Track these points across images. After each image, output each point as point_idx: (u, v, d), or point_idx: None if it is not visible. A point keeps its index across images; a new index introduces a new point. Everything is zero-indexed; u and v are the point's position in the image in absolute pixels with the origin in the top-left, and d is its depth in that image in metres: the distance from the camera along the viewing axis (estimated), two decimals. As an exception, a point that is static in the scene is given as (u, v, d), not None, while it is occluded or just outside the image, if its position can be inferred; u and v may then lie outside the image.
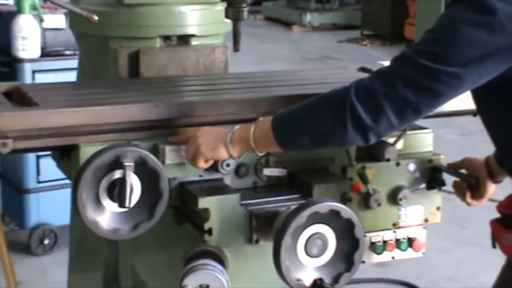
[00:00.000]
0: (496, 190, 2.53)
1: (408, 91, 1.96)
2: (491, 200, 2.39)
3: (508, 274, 2.36)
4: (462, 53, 1.94)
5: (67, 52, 4.54)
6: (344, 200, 2.36)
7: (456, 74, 1.95)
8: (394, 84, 1.97)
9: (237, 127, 2.16)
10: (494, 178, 2.53)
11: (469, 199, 2.56)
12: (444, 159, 2.60)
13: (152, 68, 2.79)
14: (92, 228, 2.09)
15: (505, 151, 2.23)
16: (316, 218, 2.09)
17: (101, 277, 2.93)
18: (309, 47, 12.49)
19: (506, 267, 2.37)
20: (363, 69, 2.93)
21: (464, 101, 2.51)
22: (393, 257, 2.56)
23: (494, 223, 2.25)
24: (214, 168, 2.30)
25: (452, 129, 6.30)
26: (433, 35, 2.01)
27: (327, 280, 2.12)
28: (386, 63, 2.95)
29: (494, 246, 2.26)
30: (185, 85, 2.76)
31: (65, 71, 4.31)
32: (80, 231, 3.04)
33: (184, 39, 2.84)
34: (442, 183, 2.54)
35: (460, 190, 2.57)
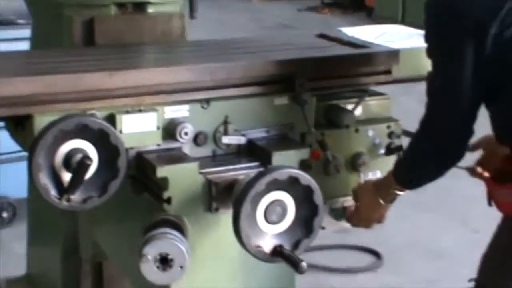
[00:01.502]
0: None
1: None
2: (457, 167, 2.41)
3: (502, 232, 2.39)
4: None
5: (20, 21, 4.44)
6: (304, 167, 2.35)
7: None
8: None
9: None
10: None
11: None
12: (403, 125, 2.61)
13: (107, 36, 2.74)
14: (48, 200, 2.06)
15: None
16: (275, 185, 2.09)
17: (61, 249, 2.90)
18: (268, 16, 12.43)
19: (502, 224, 2.40)
20: (321, 36, 2.92)
21: (422, 67, 2.54)
22: (353, 223, 2.58)
23: (488, 180, 2.27)
24: (172, 137, 2.28)
25: (412, 96, 6.34)
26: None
27: (286, 246, 2.12)
28: (345, 29, 2.96)
29: (490, 204, 2.30)
30: (142, 53, 2.72)
31: (18, 41, 4.18)
32: (38, 204, 3.00)
33: (140, 7, 2.79)
34: (400, 148, 2.55)
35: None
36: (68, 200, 2.08)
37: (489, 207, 2.35)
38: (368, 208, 2.45)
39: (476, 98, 2.19)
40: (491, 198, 2.29)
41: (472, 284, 2.45)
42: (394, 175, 2.37)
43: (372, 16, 11.61)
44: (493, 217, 2.41)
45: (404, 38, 2.83)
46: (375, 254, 4.39)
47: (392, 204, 2.44)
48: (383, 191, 2.40)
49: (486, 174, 2.41)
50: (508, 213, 2.30)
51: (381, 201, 2.41)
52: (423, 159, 2.31)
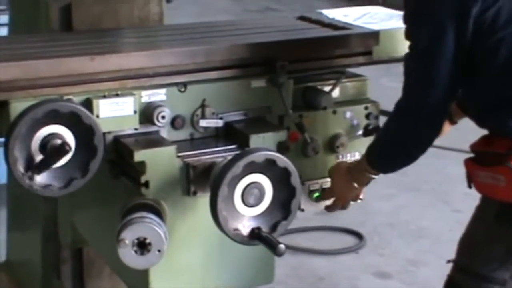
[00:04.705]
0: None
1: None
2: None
3: (483, 212, 2.40)
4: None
5: (-1, 7, 4.42)
6: (282, 149, 2.36)
7: None
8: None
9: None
10: (452, 119, 2.57)
11: None
12: (384, 106, 2.62)
13: (85, 22, 2.73)
14: (25, 185, 2.05)
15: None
16: (252, 168, 2.09)
17: (41, 234, 2.90)
18: (252, -1, 12.37)
19: (481, 206, 2.41)
20: (302, 18, 2.92)
21: (402, 48, 2.54)
22: (331, 204, 2.59)
23: (469, 162, 2.29)
24: (149, 121, 2.28)
25: (393, 77, 6.34)
26: None
27: (264, 229, 2.13)
28: (326, 11, 2.96)
29: (470, 186, 2.31)
30: (122, 37, 2.70)
31: (-3, 27, 4.18)
32: (17, 189, 2.99)
33: (117, -9, 2.78)
34: (378, 129, 2.56)
35: None
36: (31, 178, 2.05)
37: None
38: (341, 189, 2.46)
39: (454, 83, 2.18)
40: (471, 179, 2.30)
41: (451, 265, 2.47)
42: (367, 158, 2.37)
43: (354, -2, 11.59)
44: (475, 197, 2.42)
45: (385, 20, 2.83)
46: (357, 235, 4.41)
47: (371, 184, 2.44)
48: (357, 174, 2.41)
49: None
50: (487, 194, 2.31)
51: (355, 184, 2.42)
52: (397, 143, 2.30)
